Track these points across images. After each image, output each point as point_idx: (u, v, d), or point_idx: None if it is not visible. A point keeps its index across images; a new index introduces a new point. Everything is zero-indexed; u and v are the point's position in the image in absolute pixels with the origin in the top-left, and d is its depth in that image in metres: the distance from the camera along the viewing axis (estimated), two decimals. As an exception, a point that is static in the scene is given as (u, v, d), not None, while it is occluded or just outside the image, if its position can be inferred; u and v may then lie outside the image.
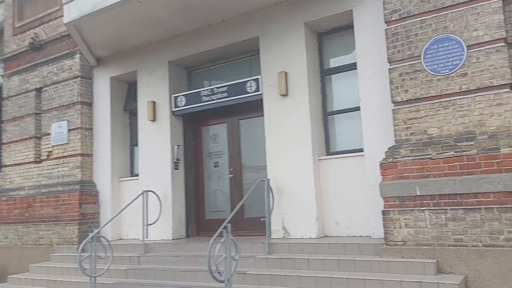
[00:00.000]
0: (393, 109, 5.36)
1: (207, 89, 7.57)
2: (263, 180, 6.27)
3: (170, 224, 7.62)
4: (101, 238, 6.53)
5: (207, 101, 7.54)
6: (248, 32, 7.05)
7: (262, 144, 7.26)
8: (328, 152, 6.59)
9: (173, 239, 7.56)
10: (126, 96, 9.08)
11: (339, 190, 6.25)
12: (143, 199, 7.31)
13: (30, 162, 9.36)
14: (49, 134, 9.10)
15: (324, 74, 6.77)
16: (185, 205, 7.94)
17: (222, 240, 5.08)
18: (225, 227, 5.18)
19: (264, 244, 6.08)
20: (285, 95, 6.57)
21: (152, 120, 8.01)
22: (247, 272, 5.58)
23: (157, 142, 7.93)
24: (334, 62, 6.77)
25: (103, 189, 8.56)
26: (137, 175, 8.55)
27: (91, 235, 6.30)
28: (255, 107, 7.31)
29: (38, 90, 9.51)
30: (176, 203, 7.74)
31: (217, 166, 7.93)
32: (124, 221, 8.47)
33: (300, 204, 6.30)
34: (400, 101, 5.32)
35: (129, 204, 7.13)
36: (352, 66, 6.47)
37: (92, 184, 8.64)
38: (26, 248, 8.93)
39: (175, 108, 7.89)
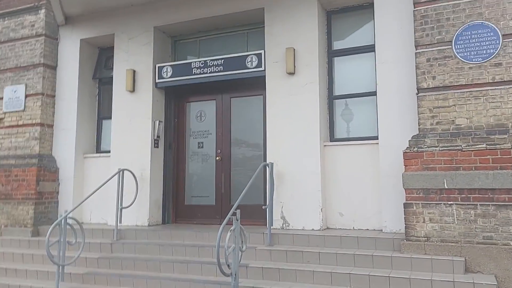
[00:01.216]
0: (418, 96, 5.02)
1: (199, 61, 6.80)
2: (267, 164, 5.69)
3: (146, 209, 6.80)
4: (71, 220, 5.59)
5: (198, 74, 6.79)
6: (253, 2, 6.39)
7: (256, 126, 6.77)
8: (332, 138, 6.14)
9: (149, 225, 6.76)
10: (96, 63, 8.03)
11: (344, 179, 5.83)
12: (118, 179, 6.43)
13: (-27, 130, 8.02)
14: (0, 98, 7.84)
15: (331, 55, 6.30)
16: (163, 188, 7.15)
17: (231, 228, 4.46)
18: (234, 214, 4.56)
19: (263, 234, 5.52)
20: (292, 73, 6.02)
21: (130, 91, 7.09)
22: (250, 265, 5.00)
23: (135, 115, 7.05)
24: (343, 44, 6.31)
25: (65, 165, 7.51)
26: (104, 152, 7.66)
27: (62, 216, 5.38)
28: (251, 84, 6.73)
29: (-11, 47, 8.19)
30: (154, 186, 6.93)
31: (202, 147, 7.21)
32: (86, 203, 7.43)
33: (303, 192, 5.80)
34: (426, 88, 4.98)
35: (104, 183, 6.23)
36: (364, 49, 6.11)
37: (51, 158, 7.55)
38: (-36, 229, 7.64)
39: (159, 79, 7.04)
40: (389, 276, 4.34)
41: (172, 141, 7.32)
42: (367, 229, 5.62)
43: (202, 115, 7.27)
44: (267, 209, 5.56)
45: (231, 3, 6.53)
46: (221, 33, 7.17)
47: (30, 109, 7.55)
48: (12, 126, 7.66)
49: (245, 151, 6.89)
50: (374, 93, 5.92)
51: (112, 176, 6.35)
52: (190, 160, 7.28)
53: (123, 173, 6.51)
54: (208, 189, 7.09)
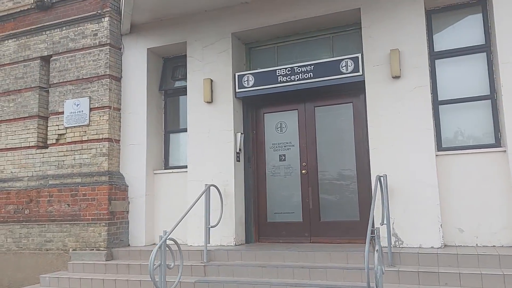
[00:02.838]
0: (562, 97, 4.57)
1: (285, 68, 6.36)
2: (381, 177, 5.19)
3: (232, 227, 6.28)
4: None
5: (284, 82, 6.34)
6: (348, 3, 5.98)
7: (345, 136, 6.37)
8: (440, 147, 5.66)
9: (235, 245, 6.24)
10: (161, 73, 7.60)
11: (461, 191, 5.34)
12: (206, 196, 5.93)
13: (30, 147, 7.55)
14: (60, 113, 7.39)
15: (433, 58, 5.86)
16: (244, 205, 6.65)
17: (376, 248, 3.95)
18: (374, 231, 4.06)
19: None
20: (398, 77, 5.58)
21: (208, 102, 6.64)
22: (382, 290, 4.47)
23: (214, 128, 6.59)
24: (445, 45, 5.86)
25: (134, 182, 7.01)
26: (173, 167, 7.22)
27: (163, 237, 4.85)
28: (338, 92, 6.34)
29: (45, 59, 7.77)
30: (238, 202, 6.44)
31: (284, 160, 6.72)
32: (156, 222, 7.00)
33: (417, 206, 5.31)
34: None
35: (197, 200, 5.73)
36: (472, 49, 5.71)
37: (120, 176, 7.05)
38: (25, 254, 7.10)
39: (239, 88, 6.60)
40: (561, 300, 3.83)
41: (251, 154, 6.84)
42: (494, 246, 5.11)
43: (282, 126, 6.79)
44: (386, 226, 5.05)
45: (322, 5, 6.12)
46: (302, 38, 6.73)
47: (96, 123, 7.08)
48: (75, 142, 7.18)
49: (333, 164, 6.39)
50: (488, 97, 5.50)
51: (202, 192, 5.86)
52: (271, 174, 6.78)
53: (209, 189, 6.01)
54: (293, 204, 6.57)
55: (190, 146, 6.72)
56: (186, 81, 7.08)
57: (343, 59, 6.02)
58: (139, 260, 6.25)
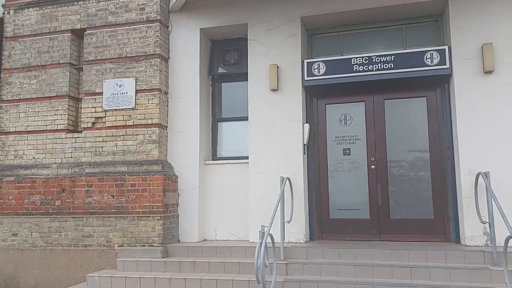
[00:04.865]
0: None
1: (361, 57, 6.05)
2: (483, 174, 5.01)
3: (302, 223, 5.93)
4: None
5: (360, 71, 6.03)
6: (435, -8, 5.78)
7: (418, 131, 6.20)
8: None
9: (305, 242, 5.88)
10: (210, 57, 7.04)
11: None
12: (281, 188, 5.51)
13: (58, 130, 6.78)
14: (97, 93, 6.67)
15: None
16: (308, 200, 6.29)
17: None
18: (517, 231, 3.86)
19: (483, 253, 4.84)
20: (491, 72, 5.45)
21: (274, 90, 6.20)
22: (501, 290, 4.30)
23: (279, 118, 6.18)
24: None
25: (185, 173, 6.46)
26: (226, 158, 6.78)
27: (266, 232, 4.40)
28: (409, 84, 6.12)
29: (76, 33, 7.00)
30: (306, 196, 6.07)
31: (348, 154, 6.41)
32: (209, 217, 6.51)
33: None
34: None
35: (281, 195, 5.34)
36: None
37: (170, 166, 6.46)
38: (56, 250, 6.33)
39: (308, 76, 6.21)
40: None
41: (313, 146, 6.48)
42: None
43: (346, 118, 6.48)
44: (489, 224, 4.89)
45: (404, -6, 5.88)
46: (370, 28, 6.44)
47: (144, 107, 6.43)
48: (117, 127, 6.50)
49: (404, 159, 6.17)
50: None
51: (283, 185, 5.46)
52: (334, 169, 6.44)
53: (284, 182, 5.60)
54: (360, 201, 6.28)
55: (251, 136, 6.26)
56: (242, 66, 6.68)
57: (427, 51, 5.80)
58: (200, 257, 5.73)
